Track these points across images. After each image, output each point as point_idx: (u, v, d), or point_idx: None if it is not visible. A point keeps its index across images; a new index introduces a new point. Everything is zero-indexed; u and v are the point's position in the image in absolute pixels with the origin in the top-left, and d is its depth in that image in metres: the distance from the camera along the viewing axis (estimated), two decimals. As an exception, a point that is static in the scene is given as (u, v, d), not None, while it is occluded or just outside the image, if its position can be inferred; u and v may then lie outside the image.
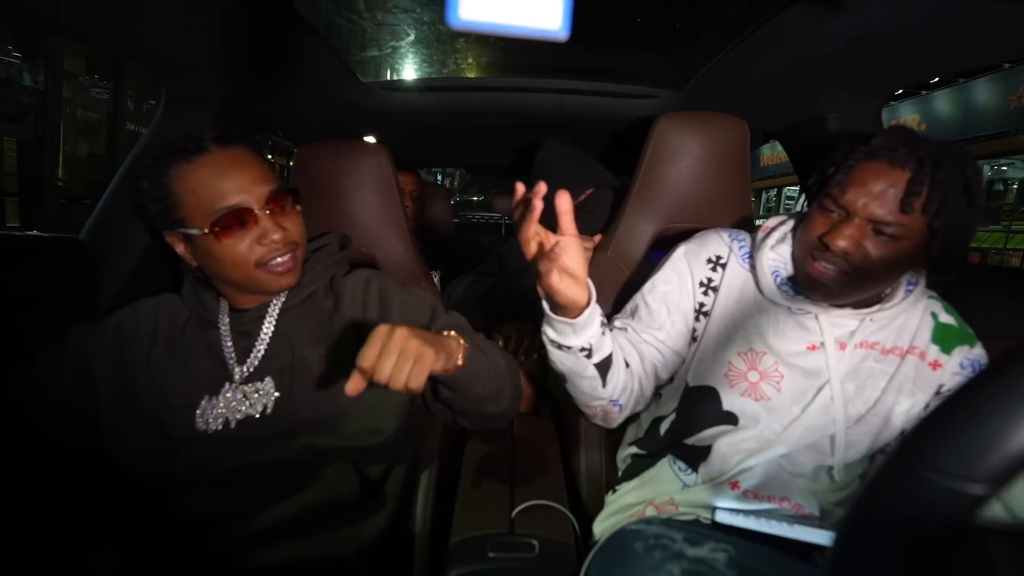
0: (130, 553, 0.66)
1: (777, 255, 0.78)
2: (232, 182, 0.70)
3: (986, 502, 0.24)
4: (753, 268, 0.80)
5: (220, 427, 0.72)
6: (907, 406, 0.74)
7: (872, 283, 0.70)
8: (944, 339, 0.75)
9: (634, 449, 0.87)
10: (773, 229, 0.80)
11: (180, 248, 0.74)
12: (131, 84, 4.71)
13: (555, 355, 0.77)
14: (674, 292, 0.83)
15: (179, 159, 0.71)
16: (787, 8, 0.86)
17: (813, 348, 0.75)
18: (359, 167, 1.14)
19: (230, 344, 0.77)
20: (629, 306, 0.88)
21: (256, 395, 0.74)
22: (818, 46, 0.91)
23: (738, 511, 0.73)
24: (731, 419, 0.77)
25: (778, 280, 0.77)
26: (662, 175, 1.05)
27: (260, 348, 0.77)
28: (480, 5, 0.33)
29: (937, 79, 7.77)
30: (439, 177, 7.98)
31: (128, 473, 0.74)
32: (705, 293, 0.83)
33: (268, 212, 0.72)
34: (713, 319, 0.81)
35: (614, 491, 0.84)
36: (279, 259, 0.73)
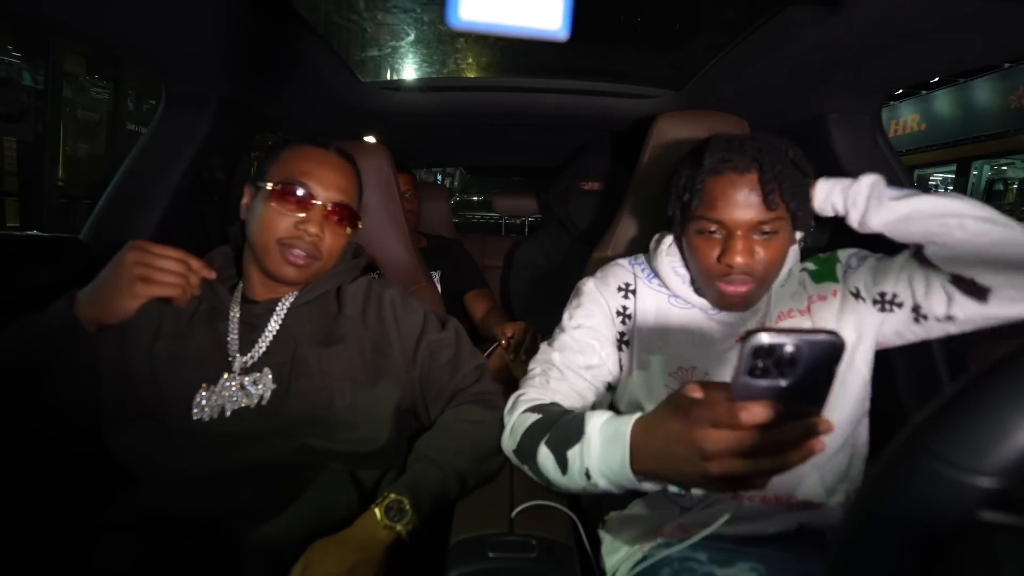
0: (124, 549, 0.66)
1: (673, 256, 0.84)
2: (319, 171, 0.80)
3: (995, 495, 0.24)
4: (662, 285, 0.84)
5: (216, 416, 0.73)
6: (850, 335, 0.76)
7: (774, 277, 0.77)
8: (823, 275, 0.82)
9: None
10: (663, 237, 0.87)
11: (246, 199, 0.83)
12: (131, 84, 4.70)
13: (583, 487, 0.66)
14: (599, 325, 0.84)
15: (306, 143, 0.83)
16: (787, 8, 0.86)
17: (740, 339, 0.78)
18: (359, 167, 1.13)
19: (236, 334, 0.79)
20: (555, 352, 0.83)
21: (254, 386, 0.75)
22: (818, 46, 0.91)
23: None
24: None
25: (683, 277, 0.82)
26: (661, 174, 1.06)
27: (264, 341, 0.78)
28: (480, 5, 0.33)
29: (937, 79, 7.76)
30: (439, 177, 7.97)
31: (125, 469, 0.74)
32: (623, 322, 0.84)
33: (323, 213, 0.78)
34: (636, 346, 0.82)
35: (603, 523, 0.81)
36: (297, 250, 0.77)
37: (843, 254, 0.84)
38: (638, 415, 0.60)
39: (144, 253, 0.72)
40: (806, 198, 0.74)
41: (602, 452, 0.60)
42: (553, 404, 0.75)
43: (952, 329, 0.72)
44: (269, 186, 0.77)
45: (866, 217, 0.74)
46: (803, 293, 0.82)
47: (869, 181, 0.74)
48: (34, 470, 0.75)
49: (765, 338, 0.40)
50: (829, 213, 0.79)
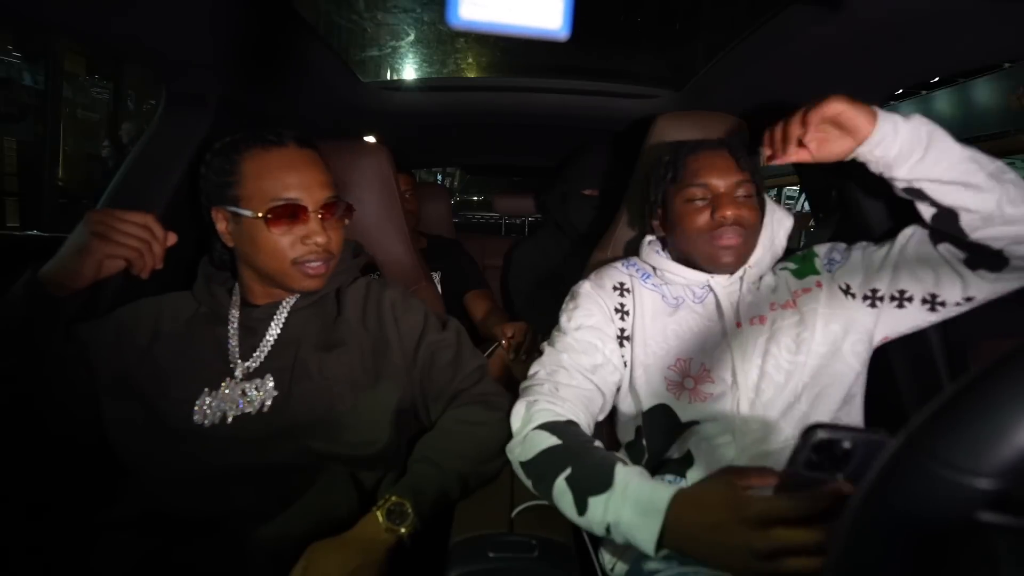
0: (124, 549, 0.66)
1: (656, 243, 0.94)
2: (297, 178, 0.74)
3: (994, 496, 0.24)
4: (656, 285, 0.89)
5: (217, 421, 0.73)
6: (836, 328, 0.80)
7: (755, 238, 0.85)
8: (804, 271, 0.87)
9: None
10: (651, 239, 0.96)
11: (222, 225, 0.77)
12: (131, 84, 4.70)
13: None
14: (600, 323, 0.85)
15: (256, 144, 0.76)
16: (787, 8, 0.86)
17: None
18: (359, 167, 1.13)
19: (236, 340, 0.78)
20: (561, 353, 0.82)
21: (255, 392, 0.75)
22: (818, 46, 0.91)
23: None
24: (694, 424, 0.79)
25: (666, 255, 0.90)
26: (662, 175, 1.05)
27: (265, 346, 0.78)
28: (480, 5, 0.33)
29: (937, 79, 7.75)
30: (439, 177, 7.96)
31: (125, 468, 0.74)
32: (622, 318, 0.87)
33: (320, 216, 0.75)
34: (636, 342, 0.85)
35: None
36: (314, 263, 0.76)
37: (820, 248, 0.88)
38: (676, 489, 0.58)
39: (105, 214, 0.70)
40: (759, 174, 0.85)
41: (633, 517, 0.59)
42: (570, 424, 0.74)
43: (967, 308, 0.74)
44: (259, 214, 0.73)
45: (924, 160, 0.68)
46: (786, 289, 0.86)
47: (929, 128, 0.70)
48: (34, 469, 0.75)
49: (823, 433, 0.43)
50: (878, 153, 0.69)
